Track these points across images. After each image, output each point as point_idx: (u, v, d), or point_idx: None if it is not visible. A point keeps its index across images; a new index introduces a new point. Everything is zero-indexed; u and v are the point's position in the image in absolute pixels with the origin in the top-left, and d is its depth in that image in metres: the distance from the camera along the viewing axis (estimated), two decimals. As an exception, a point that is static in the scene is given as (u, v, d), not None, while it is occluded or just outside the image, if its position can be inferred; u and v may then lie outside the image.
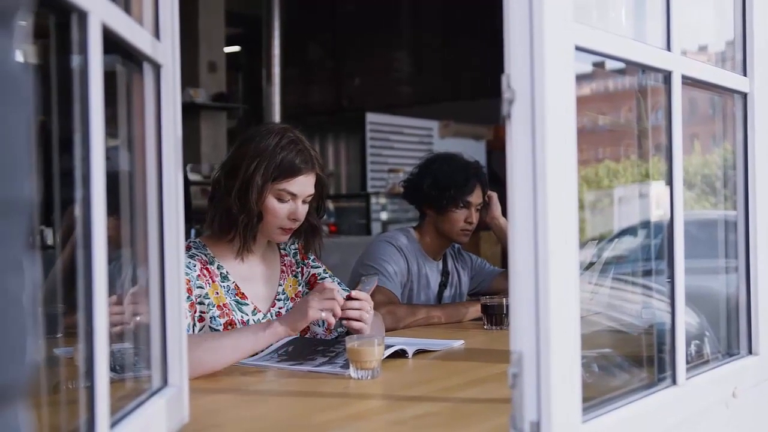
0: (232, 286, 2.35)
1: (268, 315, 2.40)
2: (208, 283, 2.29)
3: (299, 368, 2.07)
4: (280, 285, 2.48)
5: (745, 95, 1.92)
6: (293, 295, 2.50)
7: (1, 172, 0.57)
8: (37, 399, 1.01)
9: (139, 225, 1.43)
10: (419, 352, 2.31)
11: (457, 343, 2.48)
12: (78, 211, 1.05)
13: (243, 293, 2.36)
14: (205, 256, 2.35)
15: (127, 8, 1.30)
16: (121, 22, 1.19)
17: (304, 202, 2.37)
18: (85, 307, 1.05)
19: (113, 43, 1.17)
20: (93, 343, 1.05)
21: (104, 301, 1.07)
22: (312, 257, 2.59)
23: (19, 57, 0.60)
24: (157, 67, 1.42)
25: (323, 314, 2.14)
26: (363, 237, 7.21)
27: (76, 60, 1.06)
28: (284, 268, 2.52)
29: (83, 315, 1.05)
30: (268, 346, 2.18)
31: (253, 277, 2.42)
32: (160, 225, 1.43)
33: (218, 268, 2.35)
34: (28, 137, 0.61)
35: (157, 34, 1.42)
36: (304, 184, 2.35)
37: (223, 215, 2.33)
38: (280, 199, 2.32)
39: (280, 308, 2.44)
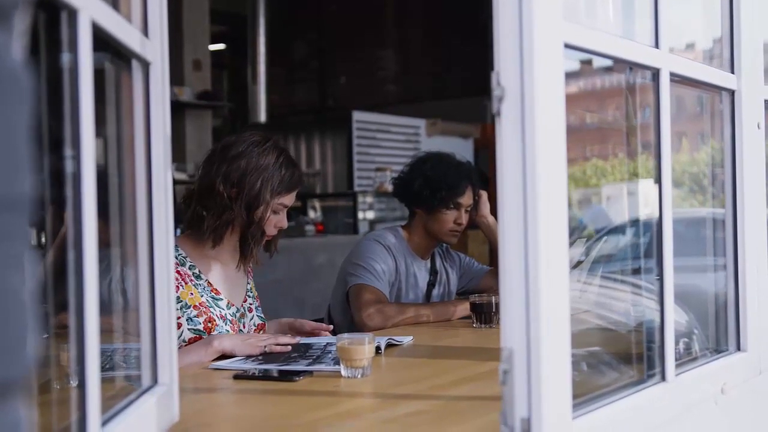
0: (206, 284, 2.44)
1: (242, 309, 2.53)
2: (181, 285, 2.37)
3: (290, 368, 2.06)
4: (248, 283, 2.62)
5: (732, 92, 1.92)
6: (256, 295, 2.66)
7: (2, 169, 0.57)
8: (28, 398, 1.00)
9: (128, 224, 1.42)
10: (390, 346, 2.37)
11: (407, 339, 2.52)
12: (68, 210, 1.05)
13: (216, 289, 2.46)
14: (176, 257, 2.39)
15: (115, 5, 1.29)
16: (111, 20, 1.18)
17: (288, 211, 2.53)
18: (75, 307, 1.05)
19: (102, 41, 1.17)
20: (84, 342, 1.05)
21: (95, 300, 1.06)
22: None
23: (18, 54, 0.60)
24: (146, 65, 1.41)
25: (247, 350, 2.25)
26: (350, 236, 7.20)
27: (65, 57, 1.06)
28: (249, 269, 2.64)
29: (74, 314, 1.04)
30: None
31: (224, 276, 2.52)
32: (149, 224, 1.42)
33: (190, 269, 2.43)
34: (28, 134, 0.61)
35: (145, 31, 1.41)
36: (294, 197, 2.52)
37: (224, 226, 2.41)
38: (275, 212, 2.46)
39: (250, 304, 2.59)
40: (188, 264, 2.43)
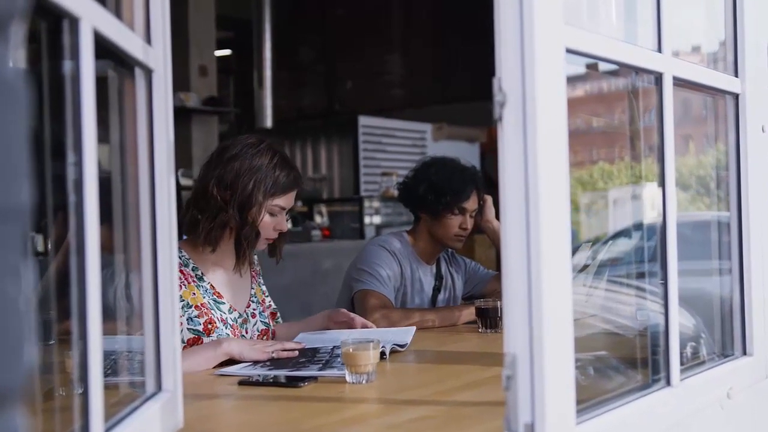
0: (209, 287, 2.44)
1: (244, 314, 2.52)
2: (184, 285, 2.38)
3: (299, 373, 2.05)
4: (252, 288, 2.61)
5: (736, 96, 1.92)
6: (261, 300, 2.64)
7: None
8: (32, 405, 1.01)
9: (132, 231, 1.42)
10: (394, 352, 2.37)
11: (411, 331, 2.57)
12: (71, 217, 1.05)
13: (219, 293, 2.46)
14: (180, 258, 2.40)
15: (118, 13, 1.30)
16: (113, 28, 1.19)
17: (287, 213, 2.51)
18: (78, 314, 1.05)
19: (104, 49, 1.17)
20: (87, 349, 1.05)
21: (97, 307, 1.06)
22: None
23: (15, 63, 0.60)
24: (148, 73, 1.41)
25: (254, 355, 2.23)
26: (356, 241, 7.19)
27: (67, 65, 1.06)
28: (254, 274, 2.64)
29: (77, 321, 1.05)
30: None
31: (227, 281, 2.51)
32: (153, 231, 1.42)
33: (193, 270, 2.44)
34: (25, 143, 0.61)
35: (148, 39, 1.41)
36: (292, 199, 2.50)
37: (219, 228, 2.41)
38: (271, 214, 2.45)
39: (254, 309, 2.57)
40: (191, 266, 2.43)
